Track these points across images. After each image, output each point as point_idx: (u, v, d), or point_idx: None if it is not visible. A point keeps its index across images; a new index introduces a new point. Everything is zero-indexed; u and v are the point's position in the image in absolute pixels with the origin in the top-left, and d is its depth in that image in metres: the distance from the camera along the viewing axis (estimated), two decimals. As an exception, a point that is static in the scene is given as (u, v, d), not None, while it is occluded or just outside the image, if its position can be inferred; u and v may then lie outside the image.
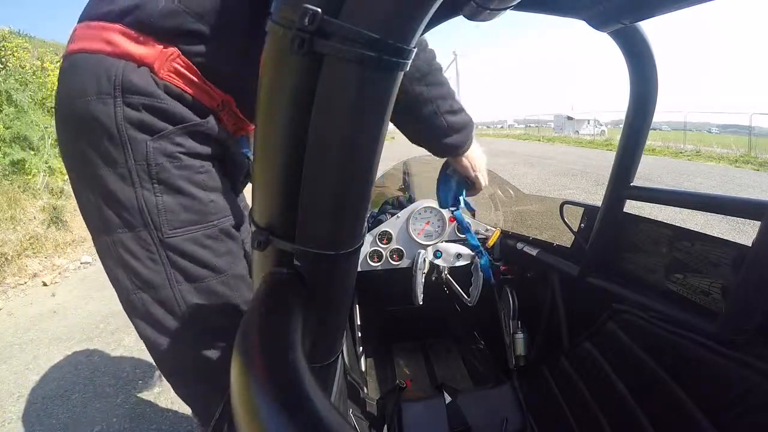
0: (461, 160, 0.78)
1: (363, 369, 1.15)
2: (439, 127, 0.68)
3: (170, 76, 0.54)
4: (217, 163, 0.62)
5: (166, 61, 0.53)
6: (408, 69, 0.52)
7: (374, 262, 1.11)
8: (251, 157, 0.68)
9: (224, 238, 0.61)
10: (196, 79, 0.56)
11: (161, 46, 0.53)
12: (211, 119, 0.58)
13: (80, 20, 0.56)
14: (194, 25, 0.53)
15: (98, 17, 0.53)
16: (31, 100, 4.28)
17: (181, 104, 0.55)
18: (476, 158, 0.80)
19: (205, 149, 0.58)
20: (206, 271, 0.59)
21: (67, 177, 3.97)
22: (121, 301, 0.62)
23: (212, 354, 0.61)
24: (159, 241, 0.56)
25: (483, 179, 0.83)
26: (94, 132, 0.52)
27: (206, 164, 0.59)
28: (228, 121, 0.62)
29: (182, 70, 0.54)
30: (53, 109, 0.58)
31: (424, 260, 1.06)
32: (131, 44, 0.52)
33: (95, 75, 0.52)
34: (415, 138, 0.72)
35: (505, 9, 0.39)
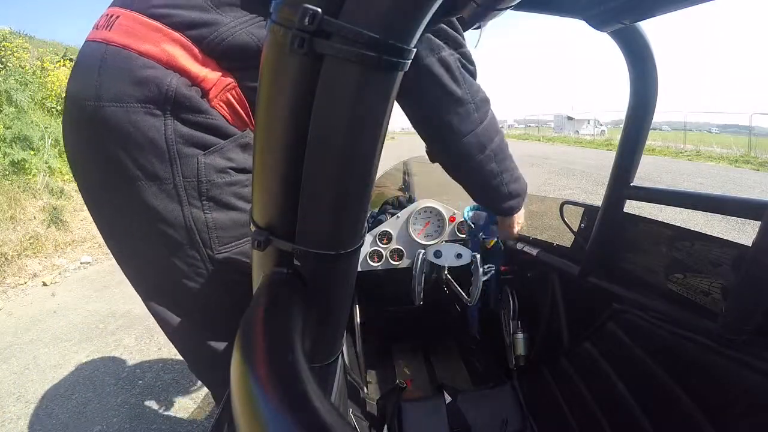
0: (508, 218, 0.87)
1: (363, 369, 1.14)
2: (503, 194, 0.76)
3: (220, 105, 0.51)
4: None
5: (222, 90, 0.50)
6: (488, 151, 0.59)
7: (374, 262, 1.11)
8: None
9: None
10: (242, 113, 0.54)
11: (221, 73, 0.50)
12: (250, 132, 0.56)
13: (124, 5, 0.49)
14: (258, 60, 0.52)
15: (156, 16, 0.48)
16: (31, 100, 4.28)
17: (226, 121, 0.53)
18: (520, 217, 0.89)
19: (249, 161, 0.56)
20: (248, 280, 0.59)
21: (66, 177, 3.98)
22: (150, 307, 0.61)
23: None
24: (208, 258, 0.54)
25: (516, 235, 0.95)
26: (135, 143, 0.48)
27: (251, 175, 0.58)
28: None
29: (233, 101, 0.52)
30: (63, 102, 0.53)
31: (424, 260, 1.06)
32: (191, 61, 0.48)
33: (142, 81, 0.47)
34: (478, 200, 0.84)
35: (505, 9, 0.39)
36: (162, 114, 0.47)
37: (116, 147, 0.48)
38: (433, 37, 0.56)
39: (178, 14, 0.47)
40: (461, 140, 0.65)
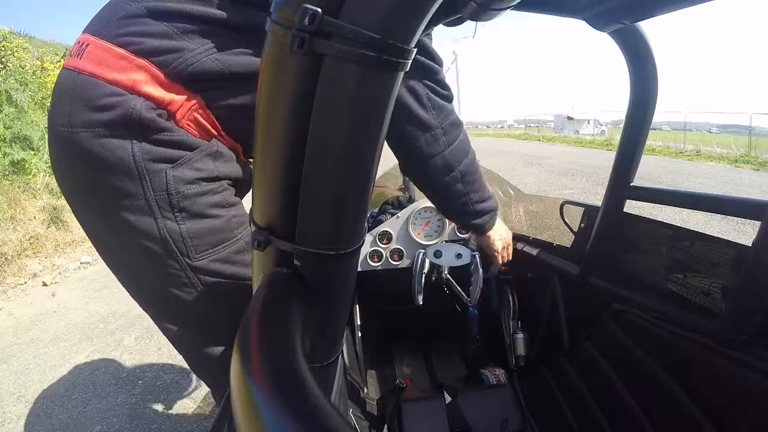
0: (483, 237, 0.91)
1: (363, 369, 1.14)
2: (469, 212, 0.80)
3: (187, 124, 0.53)
4: (233, 181, 0.62)
5: (188, 110, 0.52)
6: (455, 172, 0.66)
7: (374, 262, 1.11)
8: None
9: (249, 248, 0.62)
10: (212, 129, 0.55)
11: (186, 96, 0.52)
12: (222, 144, 0.58)
13: (94, 33, 0.51)
14: (224, 82, 0.52)
15: (123, 44, 0.49)
16: (31, 100, 4.28)
17: (192, 136, 0.55)
18: (496, 239, 0.92)
19: (220, 168, 0.58)
20: (238, 283, 0.60)
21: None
22: (150, 316, 0.64)
23: None
24: (188, 266, 0.56)
25: (500, 259, 0.97)
26: (105, 164, 0.50)
27: (223, 182, 0.59)
28: None
29: (199, 118, 0.54)
30: (47, 130, 0.56)
31: (424, 260, 1.06)
32: (155, 86, 0.50)
33: (108, 107, 0.49)
34: (447, 216, 0.94)
35: (505, 9, 0.39)
36: (128, 136, 0.50)
37: (89, 169, 0.51)
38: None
39: (144, 42, 0.49)
40: (428, 162, 0.70)
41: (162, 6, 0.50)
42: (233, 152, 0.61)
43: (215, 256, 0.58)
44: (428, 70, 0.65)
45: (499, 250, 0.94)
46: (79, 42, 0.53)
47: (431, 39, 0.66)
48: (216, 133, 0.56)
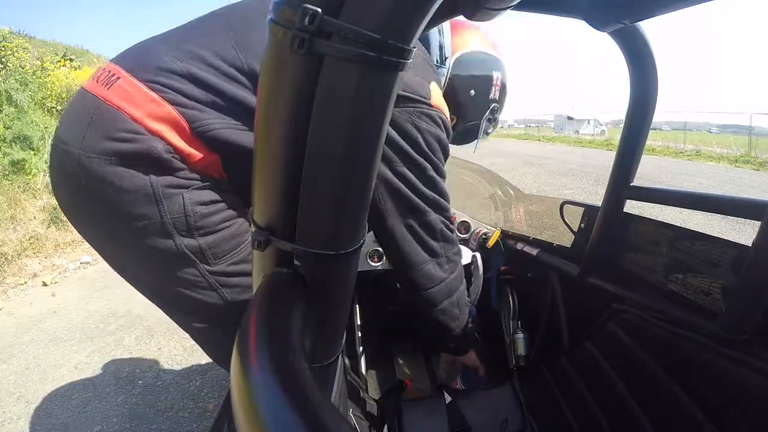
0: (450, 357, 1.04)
1: (363, 369, 1.14)
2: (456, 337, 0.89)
3: (203, 170, 0.56)
4: (242, 194, 0.64)
5: (205, 164, 0.55)
6: (453, 297, 0.78)
7: (374, 262, 1.11)
8: None
9: None
10: (220, 172, 0.59)
11: (205, 153, 0.54)
12: None
13: (128, 69, 0.53)
14: (241, 153, 0.54)
15: (156, 89, 0.51)
16: (31, 100, 4.28)
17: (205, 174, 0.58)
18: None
19: (230, 184, 0.61)
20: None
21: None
22: (176, 322, 0.68)
23: None
24: (207, 272, 0.59)
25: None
26: (118, 187, 0.51)
27: (234, 195, 0.61)
28: None
29: (214, 172, 0.57)
30: (52, 142, 0.57)
31: (424, 260, 1.06)
32: (178, 137, 0.52)
33: (128, 140, 0.50)
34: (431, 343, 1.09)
35: (505, 9, 0.39)
36: (145, 171, 0.52)
37: (103, 192, 0.52)
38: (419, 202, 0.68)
39: (178, 96, 0.51)
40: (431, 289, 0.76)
41: (203, 75, 0.52)
42: None
43: (232, 260, 0.61)
44: (442, 208, 0.72)
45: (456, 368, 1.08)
46: (108, 71, 0.54)
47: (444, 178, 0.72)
48: (223, 180, 0.60)
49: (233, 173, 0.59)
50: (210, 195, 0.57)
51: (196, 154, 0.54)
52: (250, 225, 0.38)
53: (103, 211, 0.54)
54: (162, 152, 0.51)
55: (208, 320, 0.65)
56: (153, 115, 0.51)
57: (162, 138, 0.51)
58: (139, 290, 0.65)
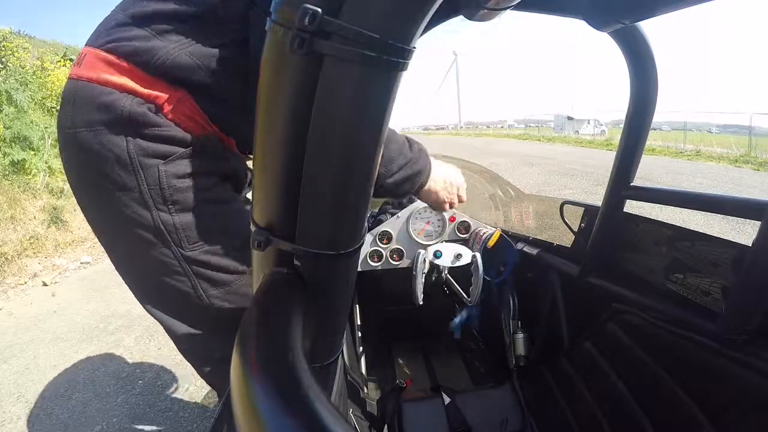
0: (423, 194, 0.78)
1: (363, 369, 1.14)
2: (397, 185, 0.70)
3: (178, 119, 0.57)
4: (226, 176, 0.65)
5: (176, 104, 0.56)
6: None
7: (374, 262, 1.11)
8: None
9: (243, 242, 0.63)
10: (201, 121, 0.59)
11: (169, 91, 0.55)
12: (213, 138, 0.61)
13: (90, 44, 0.57)
14: (202, 74, 0.56)
15: (109, 50, 0.55)
16: (31, 100, 4.28)
17: (185, 131, 0.58)
18: (438, 189, 0.78)
19: (214, 166, 0.61)
20: (231, 276, 0.63)
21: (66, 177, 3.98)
22: (145, 308, 0.67)
23: None
24: (181, 256, 0.60)
25: (447, 207, 0.83)
26: (105, 160, 0.55)
27: (216, 179, 0.62)
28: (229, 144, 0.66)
29: (186, 111, 0.57)
30: (57, 132, 0.61)
31: (424, 260, 1.06)
32: (141, 86, 0.54)
33: (103, 106, 0.54)
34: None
35: (505, 9, 0.39)
36: (122, 132, 0.54)
37: (91, 165, 0.56)
38: None
39: (126, 45, 0.54)
40: None
41: (140, 11, 0.55)
42: (226, 147, 0.63)
43: (207, 248, 0.61)
44: None
45: (446, 200, 0.82)
46: (81, 54, 0.58)
47: None
48: (205, 124, 0.59)
49: (215, 116, 0.59)
50: (186, 169, 0.58)
51: (162, 96, 0.55)
52: (250, 224, 0.38)
53: (92, 182, 0.57)
54: (133, 106, 0.54)
55: (183, 316, 0.65)
56: (115, 72, 0.54)
57: (130, 91, 0.54)
58: (124, 278, 0.66)
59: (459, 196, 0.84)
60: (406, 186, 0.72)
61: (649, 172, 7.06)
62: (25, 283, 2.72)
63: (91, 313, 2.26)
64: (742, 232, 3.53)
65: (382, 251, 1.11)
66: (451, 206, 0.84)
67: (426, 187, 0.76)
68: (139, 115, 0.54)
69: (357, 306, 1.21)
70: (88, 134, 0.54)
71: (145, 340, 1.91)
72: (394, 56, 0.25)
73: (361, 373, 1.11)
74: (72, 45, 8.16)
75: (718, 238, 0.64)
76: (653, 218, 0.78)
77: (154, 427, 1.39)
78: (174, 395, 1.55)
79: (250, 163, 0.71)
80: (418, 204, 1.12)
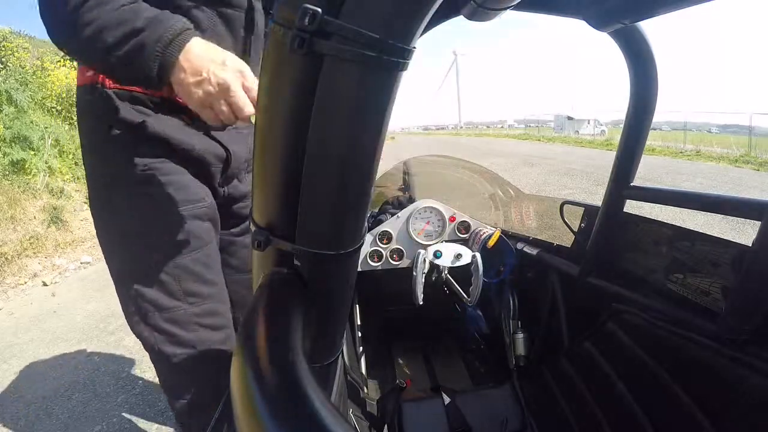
0: (176, 84, 0.52)
1: (363, 369, 1.14)
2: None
3: (80, 74, 0.66)
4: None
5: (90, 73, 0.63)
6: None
7: (374, 262, 1.11)
8: (232, 150, 0.73)
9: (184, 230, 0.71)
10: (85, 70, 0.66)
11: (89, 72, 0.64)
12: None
13: None
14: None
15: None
16: (31, 100, 4.28)
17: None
18: (192, 82, 0.51)
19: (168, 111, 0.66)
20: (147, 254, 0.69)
21: (66, 177, 3.99)
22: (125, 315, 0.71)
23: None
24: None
25: (226, 116, 0.53)
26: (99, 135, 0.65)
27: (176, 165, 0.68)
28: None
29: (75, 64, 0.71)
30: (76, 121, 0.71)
31: (424, 260, 1.06)
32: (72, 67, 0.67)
33: (90, 94, 0.63)
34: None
35: (505, 9, 0.39)
36: (105, 110, 0.64)
37: (90, 134, 0.68)
38: None
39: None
40: None
41: None
42: (130, 96, 0.63)
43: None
44: None
45: (205, 104, 0.52)
46: None
47: None
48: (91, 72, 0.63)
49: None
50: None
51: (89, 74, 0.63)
52: (250, 225, 0.38)
53: (108, 186, 0.67)
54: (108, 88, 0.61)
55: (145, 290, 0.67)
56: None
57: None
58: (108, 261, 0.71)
59: (231, 103, 0.52)
60: (124, 60, 0.49)
61: (649, 172, 7.06)
62: (25, 283, 2.72)
63: (91, 313, 2.26)
64: (742, 232, 3.53)
65: (382, 251, 1.11)
66: (219, 118, 0.54)
67: (174, 75, 0.51)
68: (113, 98, 0.63)
69: (357, 306, 1.21)
70: (92, 138, 0.69)
71: (145, 340, 1.91)
72: (394, 56, 0.25)
73: (361, 373, 1.11)
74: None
75: (718, 238, 0.64)
76: (653, 218, 0.78)
77: (154, 427, 1.39)
78: (174, 395, 1.55)
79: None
80: (418, 204, 1.12)
